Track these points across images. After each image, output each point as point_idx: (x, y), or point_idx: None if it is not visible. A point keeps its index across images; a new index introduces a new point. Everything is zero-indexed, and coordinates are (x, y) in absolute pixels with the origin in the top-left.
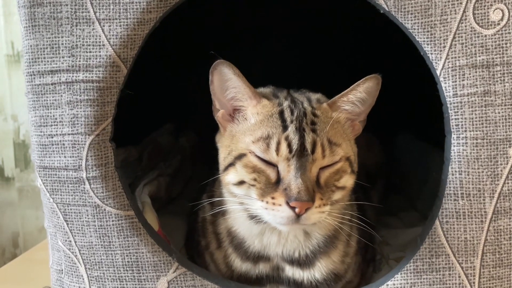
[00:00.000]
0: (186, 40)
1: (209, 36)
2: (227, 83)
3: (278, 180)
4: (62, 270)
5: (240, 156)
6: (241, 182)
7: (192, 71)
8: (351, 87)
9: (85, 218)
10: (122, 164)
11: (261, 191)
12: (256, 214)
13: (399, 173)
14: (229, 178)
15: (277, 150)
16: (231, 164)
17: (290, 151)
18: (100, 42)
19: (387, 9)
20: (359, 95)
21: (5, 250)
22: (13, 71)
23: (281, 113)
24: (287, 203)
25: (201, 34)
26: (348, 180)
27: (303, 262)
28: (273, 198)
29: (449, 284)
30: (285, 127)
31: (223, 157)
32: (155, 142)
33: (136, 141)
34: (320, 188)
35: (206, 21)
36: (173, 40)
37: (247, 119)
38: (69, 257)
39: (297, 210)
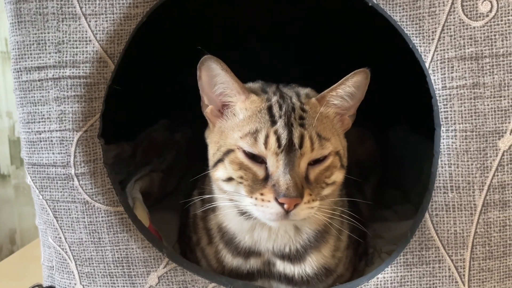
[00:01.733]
0: (181, 35)
1: (204, 31)
2: (215, 79)
3: (267, 176)
4: (53, 266)
5: (228, 152)
6: (230, 179)
7: (187, 66)
8: (339, 81)
9: (75, 214)
10: (115, 160)
11: (249, 187)
12: (245, 210)
13: (394, 166)
14: (218, 174)
15: (266, 143)
16: (220, 160)
17: (279, 145)
18: (86, 37)
19: (375, 2)
20: (348, 90)
21: (2, 247)
22: (8, 68)
23: (270, 109)
24: (276, 199)
25: (196, 29)
26: (338, 176)
27: (294, 257)
28: (262, 194)
29: (439, 276)
30: (273, 122)
31: (212, 153)
32: (150, 137)
33: (131, 137)
34: (310, 184)
35: (201, 16)
36: (168, 34)
37: (235, 115)
38: (60, 254)
39: (286, 206)
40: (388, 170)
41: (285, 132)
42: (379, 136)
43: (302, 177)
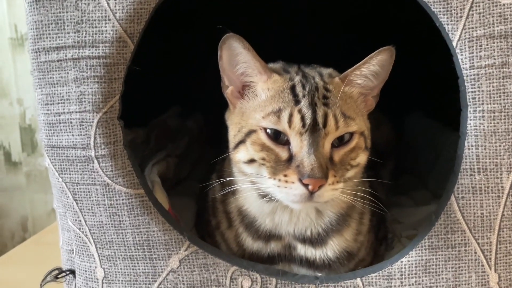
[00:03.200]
0: (194, 20)
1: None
2: (237, 58)
3: (290, 158)
4: (72, 250)
5: (250, 133)
6: (252, 160)
7: (199, 51)
8: (363, 60)
9: (95, 197)
10: (130, 145)
11: (272, 169)
12: (267, 192)
13: (410, 152)
14: (239, 156)
15: (290, 122)
16: (241, 142)
17: (304, 125)
18: (106, 16)
19: None
20: (372, 68)
21: (14, 234)
22: (17, 55)
23: (293, 88)
24: (300, 180)
25: (208, 12)
26: (362, 158)
27: (315, 241)
28: (285, 175)
29: (465, 260)
30: (297, 101)
31: (233, 135)
32: (163, 124)
33: (143, 123)
34: (334, 165)
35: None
36: (181, 19)
37: (257, 95)
38: (80, 237)
39: (310, 187)
40: (404, 156)
41: (309, 111)
42: (395, 121)
43: (327, 157)
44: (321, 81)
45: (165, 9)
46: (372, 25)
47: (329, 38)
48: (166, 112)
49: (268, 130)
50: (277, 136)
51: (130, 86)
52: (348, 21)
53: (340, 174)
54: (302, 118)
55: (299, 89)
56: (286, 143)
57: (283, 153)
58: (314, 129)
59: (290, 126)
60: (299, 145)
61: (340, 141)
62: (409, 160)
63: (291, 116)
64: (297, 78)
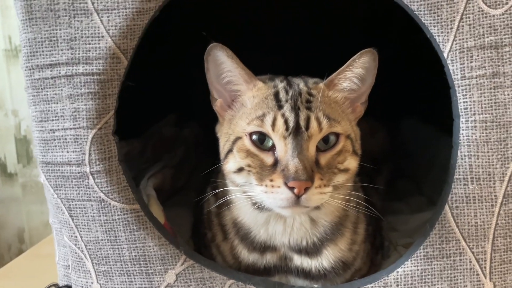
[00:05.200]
0: (188, 28)
1: (212, 25)
2: (222, 66)
3: (275, 163)
4: (69, 265)
5: (236, 140)
6: (241, 169)
7: (194, 60)
8: (346, 63)
9: (90, 213)
10: (126, 158)
11: (259, 175)
12: (258, 200)
13: (405, 158)
14: (229, 166)
15: (273, 125)
16: (230, 151)
17: (287, 128)
18: (99, 33)
19: None
20: (356, 71)
21: (11, 246)
22: (12, 66)
23: (276, 94)
24: (285, 184)
25: (204, 23)
26: (351, 162)
27: (311, 251)
28: (271, 180)
29: (460, 269)
30: (280, 106)
31: (222, 145)
32: (158, 133)
33: (138, 133)
34: (321, 169)
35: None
36: (175, 28)
37: (244, 105)
38: (76, 253)
39: (295, 190)
40: (399, 162)
41: (292, 115)
42: (390, 127)
43: (312, 160)
44: (305, 87)
45: (160, 20)
46: (370, 33)
47: (327, 49)
48: (162, 121)
49: (253, 136)
50: (262, 142)
51: (126, 96)
52: (348, 30)
53: (328, 177)
54: (286, 122)
55: (282, 94)
56: (271, 149)
57: (268, 159)
58: (297, 132)
59: (273, 129)
60: (284, 149)
61: (326, 145)
62: (405, 165)
63: (274, 120)
64: (281, 85)
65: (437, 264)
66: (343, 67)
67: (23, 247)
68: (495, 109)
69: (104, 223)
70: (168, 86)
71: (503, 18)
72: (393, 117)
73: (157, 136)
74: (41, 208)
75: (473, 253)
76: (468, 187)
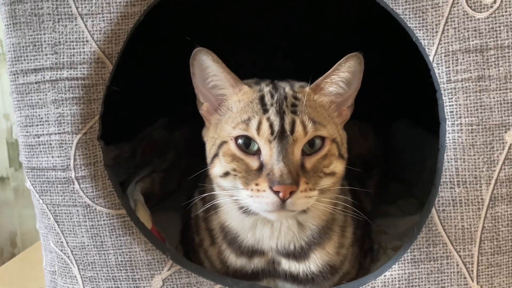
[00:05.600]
0: (178, 32)
1: (202, 29)
2: (207, 71)
3: (261, 167)
4: (55, 271)
5: (222, 144)
6: (227, 173)
7: (184, 63)
8: (333, 67)
9: (76, 218)
10: (115, 162)
11: (244, 179)
12: (244, 204)
13: (396, 160)
14: (215, 171)
15: (258, 129)
16: (215, 155)
17: (272, 132)
18: (83, 38)
19: None
20: (342, 75)
21: (3, 250)
22: (4, 70)
23: (262, 98)
24: (271, 188)
25: (194, 26)
26: (337, 166)
27: (299, 254)
28: (257, 184)
29: (447, 273)
30: (265, 110)
31: (209, 149)
32: (149, 137)
33: (130, 137)
34: (306, 173)
35: (198, 12)
36: (165, 31)
37: (229, 109)
38: (62, 258)
39: (281, 194)
40: (391, 164)
41: (277, 119)
42: (381, 130)
43: (297, 164)
44: (290, 90)
45: (147, 24)
46: (363, 36)
47: (319, 52)
48: (153, 124)
49: (239, 141)
50: (247, 146)
51: (118, 100)
52: (339, 33)
53: (314, 181)
54: (271, 126)
55: (267, 98)
56: (256, 153)
57: (253, 163)
58: (282, 136)
59: (258, 133)
60: (269, 153)
61: (311, 148)
62: (397, 168)
63: (259, 124)
64: (266, 89)
65: (424, 268)
66: (329, 71)
67: (16, 251)
68: (481, 112)
69: (90, 228)
70: (160, 89)
71: (488, 21)
72: (385, 120)
73: (147, 139)
74: (33, 212)
75: (460, 256)
76: (455, 190)
